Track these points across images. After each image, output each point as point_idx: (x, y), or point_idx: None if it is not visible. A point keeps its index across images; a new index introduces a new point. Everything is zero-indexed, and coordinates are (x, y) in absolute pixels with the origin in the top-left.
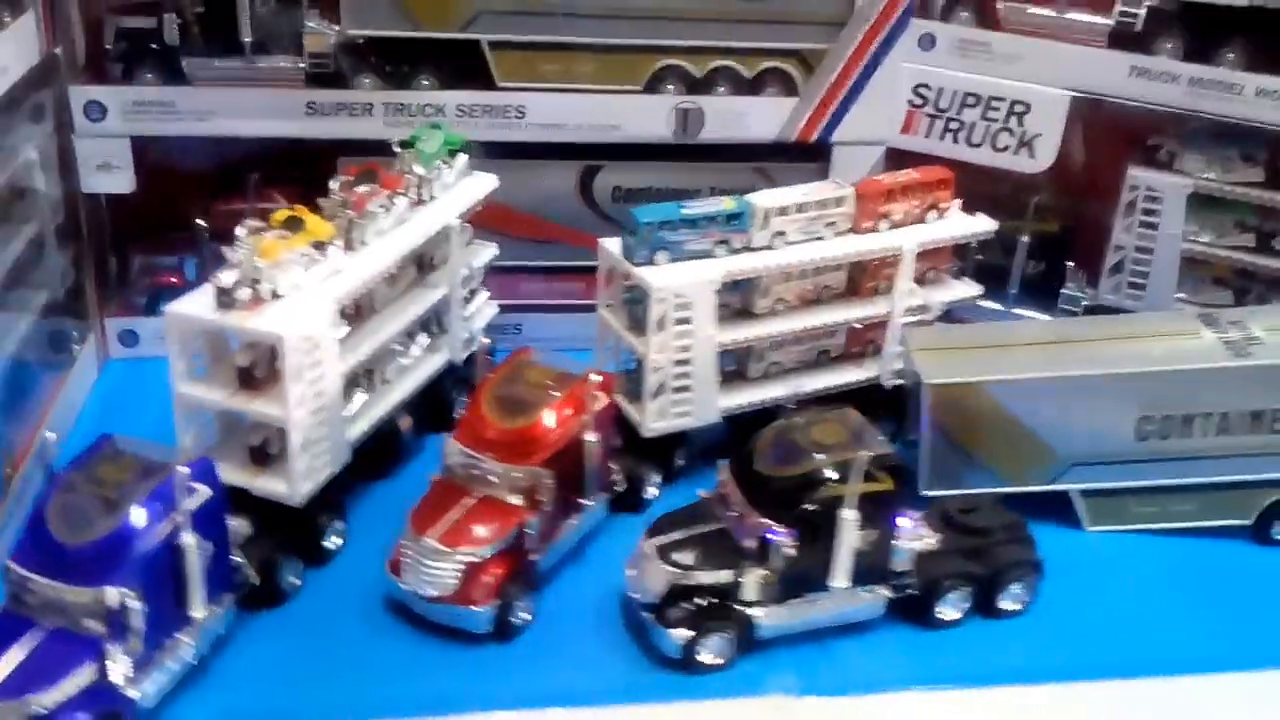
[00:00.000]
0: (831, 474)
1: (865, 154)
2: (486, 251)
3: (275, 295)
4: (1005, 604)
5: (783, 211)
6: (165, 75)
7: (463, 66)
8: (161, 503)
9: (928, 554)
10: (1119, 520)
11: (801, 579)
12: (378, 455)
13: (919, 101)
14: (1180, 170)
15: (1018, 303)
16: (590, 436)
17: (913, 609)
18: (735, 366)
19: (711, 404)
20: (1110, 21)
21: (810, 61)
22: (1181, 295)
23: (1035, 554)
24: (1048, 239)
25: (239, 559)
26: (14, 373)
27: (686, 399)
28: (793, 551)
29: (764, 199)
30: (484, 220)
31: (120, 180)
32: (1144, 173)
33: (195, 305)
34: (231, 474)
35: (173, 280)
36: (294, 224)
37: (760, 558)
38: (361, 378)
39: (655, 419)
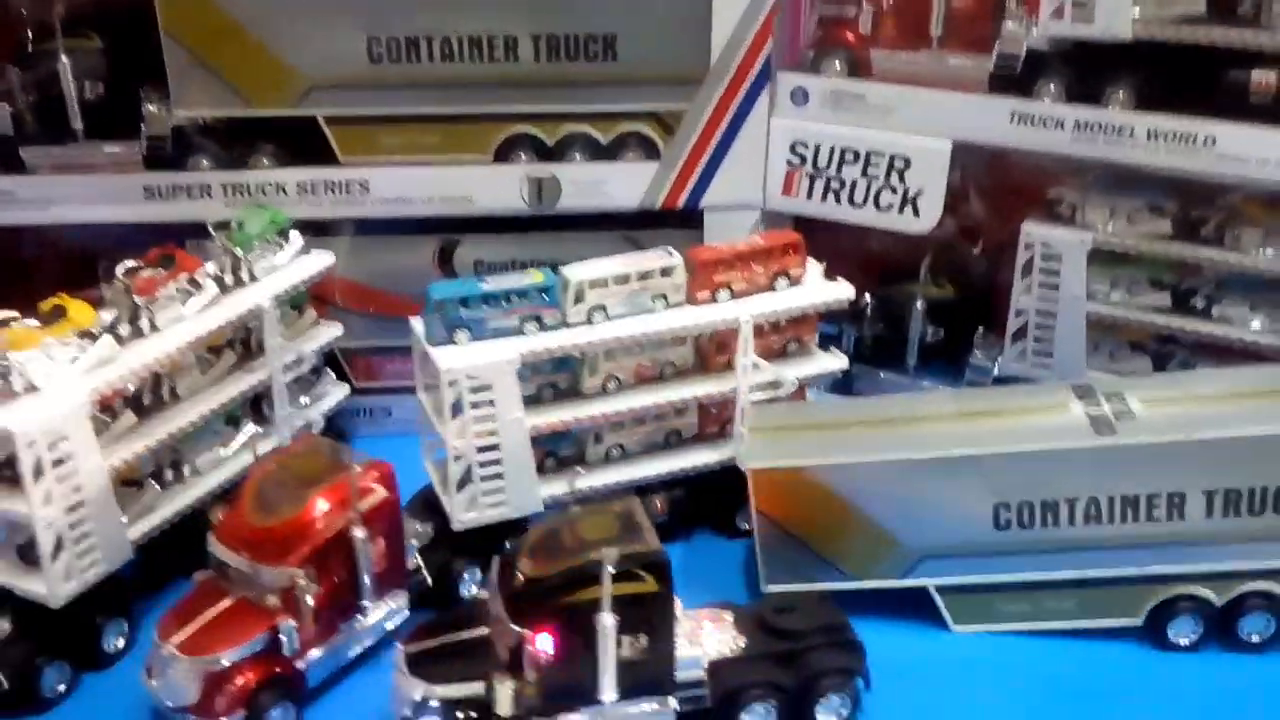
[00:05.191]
0: (587, 573)
1: (739, 218)
2: (324, 333)
3: (31, 387)
4: (822, 718)
5: (599, 284)
6: (6, 165)
7: (304, 143)
8: None
9: (727, 661)
10: (986, 619)
11: (566, 691)
12: (187, 549)
13: (796, 160)
14: (1082, 224)
15: (920, 374)
16: (358, 533)
17: None
18: (574, 450)
19: (530, 493)
20: (989, 65)
21: (669, 122)
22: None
23: (858, 661)
24: (946, 304)
25: None
26: None
27: (498, 488)
28: (546, 660)
29: (577, 271)
30: (343, 299)
31: None
32: (1039, 228)
33: None
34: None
35: None
36: (55, 313)
37: (514, 668)
38: (166, 469)
39: (464, 510)
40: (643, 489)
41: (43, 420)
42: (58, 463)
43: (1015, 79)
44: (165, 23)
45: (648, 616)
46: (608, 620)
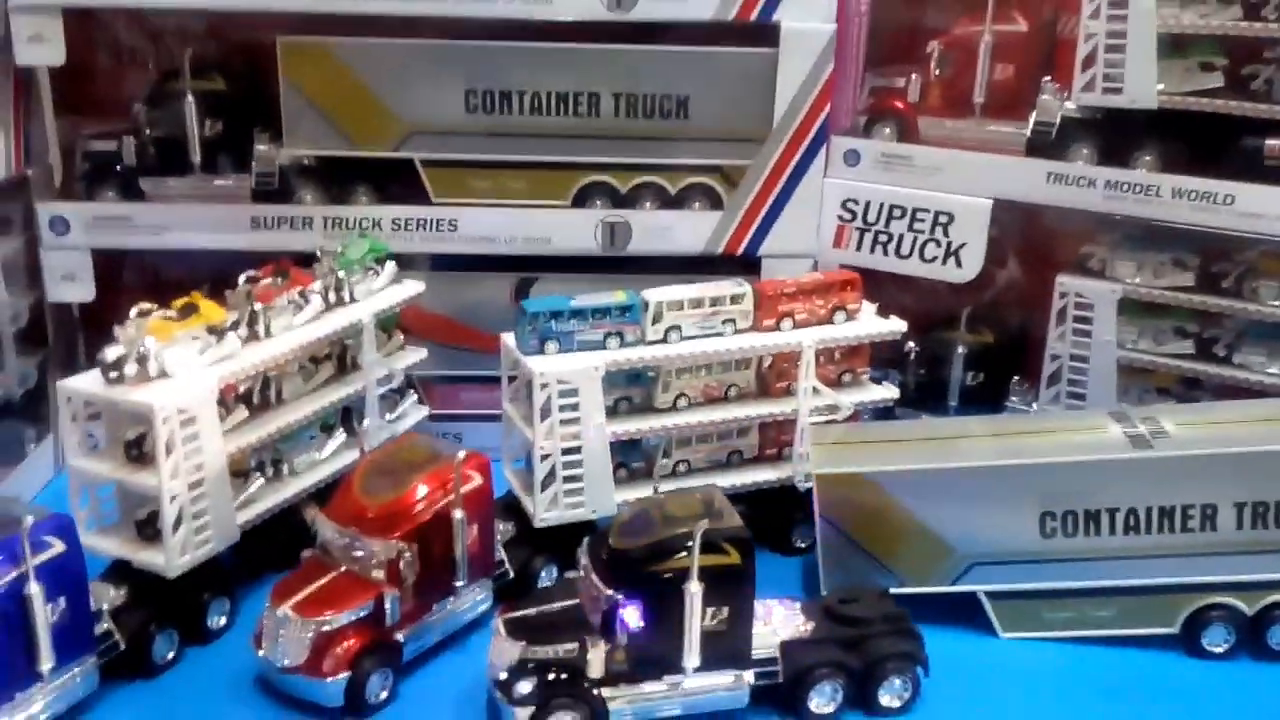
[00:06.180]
0: (675, 545)
1: (794, 267)
2: (412, 355)
3: (164, 373)
4: (886, 700)
5: (676, 306)
6: (125, 193)
7: (399, 182)
8: (6, 552)
9: (798, 642)
10: (1033, 626)
11: (652, 658)
12: (282, 543)
13: (847, 216)
14: (1111, 277)
15: (958, 416)
16: (457, 514)
17: (784, 701)
18: (643, 463)
19: (606, 496)
20: (1026, 131)
21: (733, 176)
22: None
23: (918, 648)
24: (985, 350)
25: (108, 625)
26: None
27: (578, 489)
28: (638, 625)
29: (657, 293)
30: (423, 330)
31: (82, 290)
32: (1073, 280)
33: (85, 380)
34: (118, 547)
35: None
36: (188, 309)
37: (605, 633)
38: (267, 465)
39: (546, 509)
40: None
41: (178, 400)
42: (186, 440)
43: (1050, 144)
44: (285, 69)
45: (730, 590)
46: (694, 588)
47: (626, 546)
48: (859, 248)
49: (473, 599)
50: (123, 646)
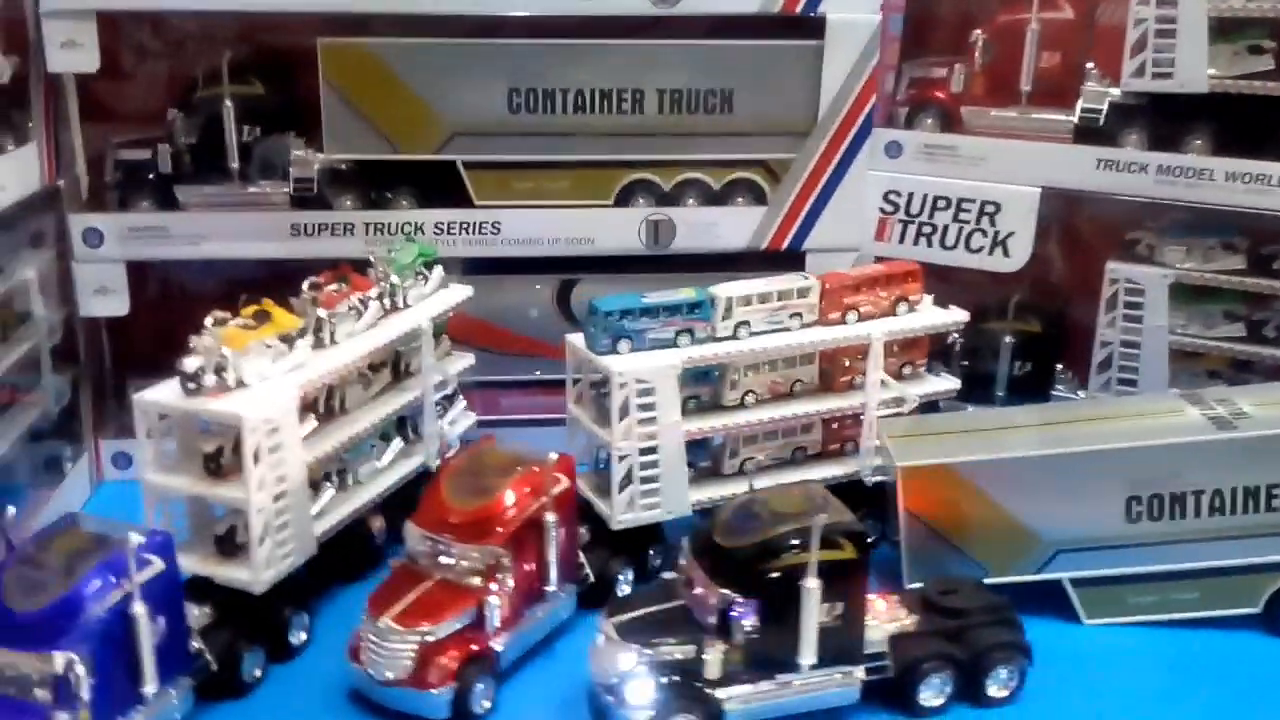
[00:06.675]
0: (790, 541)
1: (839, 260)
2: (462, 361)
3: (241, 383)
4: (993, 690)
5: (745, 301)
6: (160, 202)
7: (439, 185)
8: (112, 572)
9: (904, 636)
10: (1117, 611)
11: (767, 657)
12: (349, 555)
13: (889, 208)
14: (1160, 262)
15: (1007, 406)
16: (549, 516)
17: (892, 695)
18: (709, 463)
19: (681, 496)
20: (1073, 118)
21: (776, 170)
22: (1175, 390)
23: (1021, 637)
24: (1032, 339)
25: (198, 644)
26: None
27: (654, 489)
28: (754, 624)
29: (726, 289)
30: (464, 335)
31: (116, 303)
32: (1123, 266)
33: (163, 392)
34: (198, 564)
35: None
36: (261, 317)
37: (722, 633)
38: (333, 475)
39: (623, 510)
40: None
41: (264, 411)
42: (271, 451)
43: (1098, 130)
44: (326, 72)
45: (845, 585)
46: (813, 584)
47: (736, 545)
48: (901, 240)
49: (559, 604)
50: (215, 666)
